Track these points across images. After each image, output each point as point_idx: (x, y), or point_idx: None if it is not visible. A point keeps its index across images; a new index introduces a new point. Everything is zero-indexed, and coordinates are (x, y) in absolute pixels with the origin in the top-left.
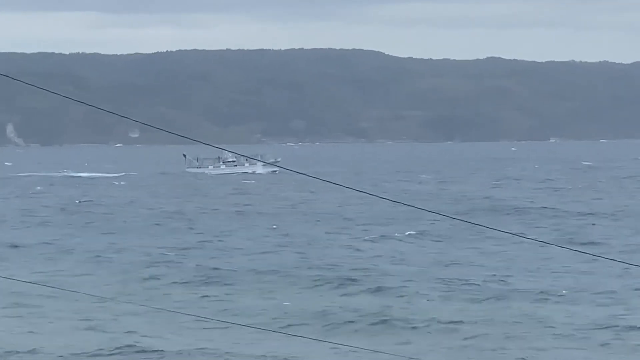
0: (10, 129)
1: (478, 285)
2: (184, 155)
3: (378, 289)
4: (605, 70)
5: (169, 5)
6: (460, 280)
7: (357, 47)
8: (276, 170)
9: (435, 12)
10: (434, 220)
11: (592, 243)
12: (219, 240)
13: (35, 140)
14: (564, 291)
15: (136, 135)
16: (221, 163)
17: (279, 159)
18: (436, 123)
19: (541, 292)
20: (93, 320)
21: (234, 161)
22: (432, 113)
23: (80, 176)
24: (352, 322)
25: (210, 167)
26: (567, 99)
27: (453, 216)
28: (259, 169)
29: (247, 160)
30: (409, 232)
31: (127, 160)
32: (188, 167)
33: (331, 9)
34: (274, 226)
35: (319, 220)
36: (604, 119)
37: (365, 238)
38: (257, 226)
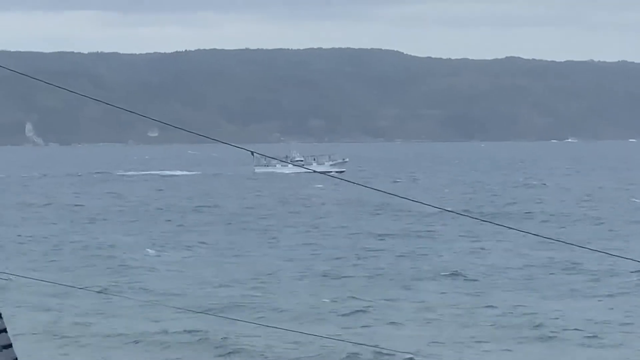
0: (29, 127)
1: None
2: (252, 153)
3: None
4: (624, 70)
5: (187, 4)
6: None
7: (375, 47)
8: (343, 171)
9: (454, 11)
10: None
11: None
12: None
13: (54, 139)
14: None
15: (155, 134)
16: (289, 162)
17: (346, 159)
18: (454, 122)
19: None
20: None
21: (301, 160)
22: (451, 112)
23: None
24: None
25: (278, 165)
26: (585, 98)
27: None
28: (326, 168)
29: (314, 159)
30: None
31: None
32: (256, 165)
33: (350, 8)
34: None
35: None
36: (621, 118)
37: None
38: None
